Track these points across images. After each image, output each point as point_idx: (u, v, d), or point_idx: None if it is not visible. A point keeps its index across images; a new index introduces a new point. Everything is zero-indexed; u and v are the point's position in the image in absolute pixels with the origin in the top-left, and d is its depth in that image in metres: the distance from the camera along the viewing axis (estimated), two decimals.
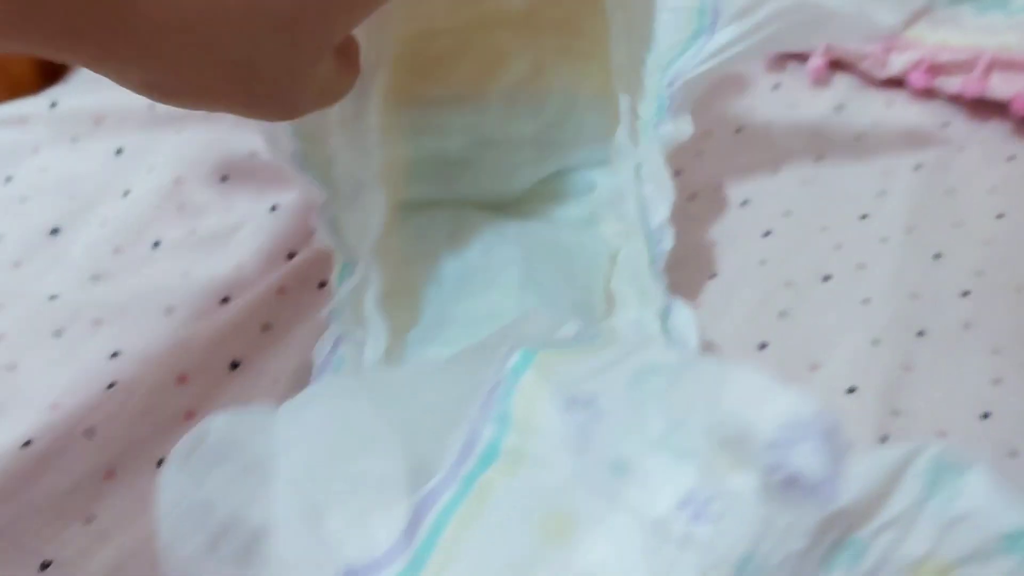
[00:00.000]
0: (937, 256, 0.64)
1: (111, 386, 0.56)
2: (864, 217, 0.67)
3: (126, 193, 0.68)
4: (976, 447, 0.54)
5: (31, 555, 0.50)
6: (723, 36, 0.59)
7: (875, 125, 0.74)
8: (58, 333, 0.60)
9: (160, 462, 0.54)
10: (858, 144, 0.73)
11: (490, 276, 0.55)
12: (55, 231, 0.66)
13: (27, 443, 0.53)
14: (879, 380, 0.57)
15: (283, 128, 0.54)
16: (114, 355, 0.59)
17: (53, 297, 0.62)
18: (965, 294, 0.62)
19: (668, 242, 0.55)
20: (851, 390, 0.56)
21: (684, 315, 0.53)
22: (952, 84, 0.75)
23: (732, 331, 0.60)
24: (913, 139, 0.73)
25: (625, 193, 0.57)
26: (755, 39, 0.59)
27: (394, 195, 0.58)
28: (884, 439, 0.54)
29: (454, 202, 0.59)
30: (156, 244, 0.65)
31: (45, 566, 0.50)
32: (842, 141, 0.73)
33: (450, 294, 0.55)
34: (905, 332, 0.60)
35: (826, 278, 0.63)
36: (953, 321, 0.61)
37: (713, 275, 0.63)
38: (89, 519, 0.51)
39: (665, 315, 0.53)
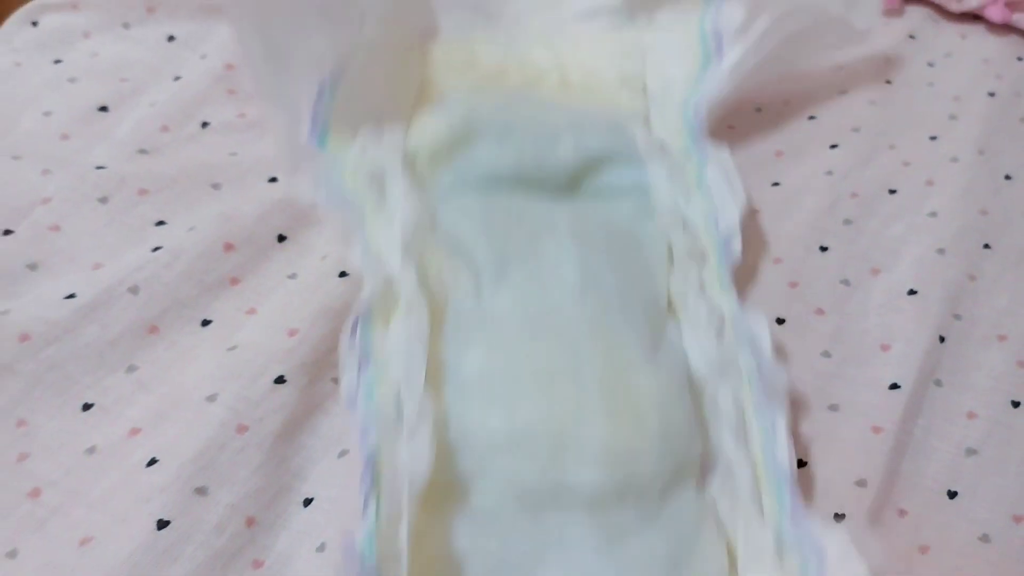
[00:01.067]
0: (1008, 177, 0.67)
1: (156, 249, 0.60)
2: (934, 138, 0.70)
3: (176, 78, 0.73)
4: None
5: (73, 397, 0.54)
6: (731, 57, 0.66)
7: (948, 55, 0.78)
8: (104, 200, 0.64)
9: (204, 323, 0.58)
10: (930, 71, 0.76)
11: (542, 271, 0.56)
12: (103, 108, 0.71)
13: (70, 295, 0.57)
14: (942, 286, 0.60)
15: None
16: (159, 223, 0.63)
17: (100, 167, 0.66)
18: None
19: (737, 246, 0.58)
20: (912, 292, 0.60)
21: (758, 323, 0.54)
22: None
23: (794, 233, 0.63)
24: (987, 69, 0.76)
25: (670, 194, 0.61)
26: (763, 52, 0.65)
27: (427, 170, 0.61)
28: (942, 340, 0.57)
29: (493, 180, 0.61)
30: (205, 125, 0.70)
31: (87, 408, 0.54)
32: (914, 67, 0.76)
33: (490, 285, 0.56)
34: (972, 244, 0.63)
35: (893, 191, 0.66)
36: (1020, 238, 0.64)
37: (777, 183, 0.67)
38: (131, 369, 0.56)
39: (737, 323, 0.54)
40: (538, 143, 0.61)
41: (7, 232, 0.61)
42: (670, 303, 0.57)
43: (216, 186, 0.65)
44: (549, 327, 0.52)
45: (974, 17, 0.81)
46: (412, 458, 0.46)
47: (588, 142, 0.62)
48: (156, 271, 0.59)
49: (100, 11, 0.78)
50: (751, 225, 0.64)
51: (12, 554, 0.47)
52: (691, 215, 0.59)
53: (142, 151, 0.68)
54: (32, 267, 0.60)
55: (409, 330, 0.51)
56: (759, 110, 0.72)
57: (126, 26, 0.77)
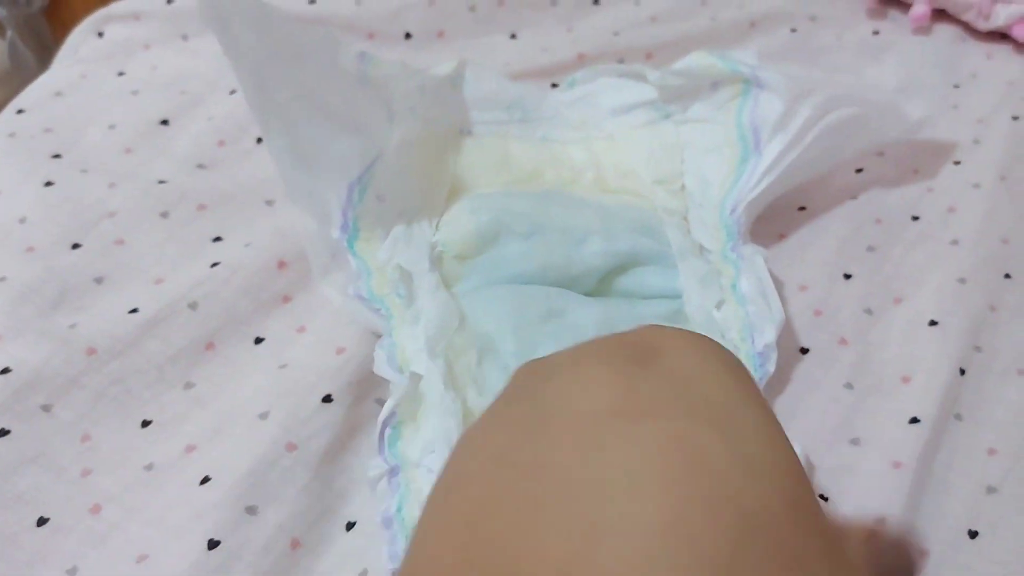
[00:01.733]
0: None
1: (214, 265, 0.57)
2: (958, 163, 0.66)
3: (232, 91, 0.70)
4: None
5: (133, 413, 0.52)
6: (771, 151, 0.59)
7: (974, 76, 0.73)
8: (165, 214, 0.61)
9: (257, 340, 0.55)
10: (955, 92, 0.71)
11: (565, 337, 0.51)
12: (164, 122, 0.68)
13: (133, 310, 0.55)
14: (963, 317, 0.56)
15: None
16: (217, 239, 0.60)
17: (161, 182, 0.63)
18: None
19: (771, 365, 0.52)
20: (933, 323, 0.56)
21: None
22: None
23: (819, 261, 0.59)
24: (1012, 91, 0.71)
25: (701, 301, 0.54)
26: (803, 146, 0.58)
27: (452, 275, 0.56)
28: (963, 372, 0.53)
29: (520, 280, 0.55)
30: (259, 140, 0.66)
31: (145, 424, 0.51)
32: (938, 89, 0.71)
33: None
34: (993, 274, 0.58)
35: (915, 218, 0.62)
36: None
37: (803, 207, 0.62)
38: (188, 386, 0.53)
39: None
40: (566, 244, 0.56)
41: (75, 246, 0.59)
42: None
43: (270, 203, 0.62)
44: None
45: (1002, 36, 0.75)
46: None
47: (618, 244, 0.56)
48: (214, 287, 0.56)
49: (161, 22, 0.75)
50: (780, 249, 0.60)
51: (73, 571, 0.45)
52: (726, 327, 0.53)
53: (200, 166, 0.65)
54: (98, 281, 0.57)
55: (441, 433, 0.47)
56: None
57: (184, 38, 0.74)
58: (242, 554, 0.46)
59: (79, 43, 0.75)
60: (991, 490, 0.49)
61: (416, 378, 0.49)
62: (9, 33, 0.81)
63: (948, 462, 0.50)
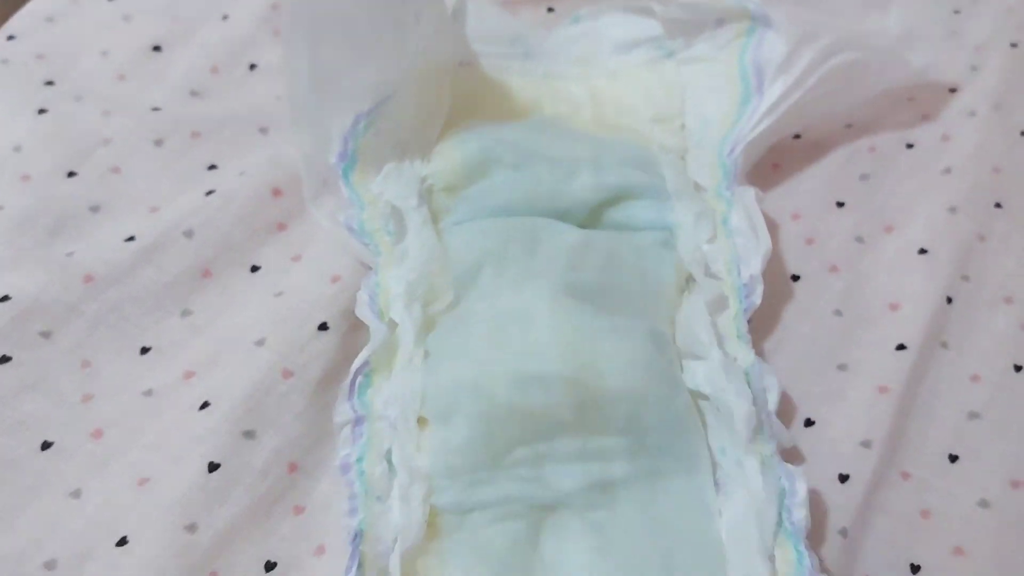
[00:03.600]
0: (1023, 133, 0.61)
1: (209, 193, 0.56)
2: (954, 90, 0.64)
3: (225, 17, 0.67)
4: None
5: (132, 340, 0.51)
6: (773, 93, 0.57)
7: (974, 2, 0.70)
8: (159, 143, 0.60)
9: (253, 268, 0.54)
10: (955, 18, 0.69)
11: (524, 280, 0.50)
12: (157, 48, 0.65)
13: (130, 238, 0.54)
14: (952, 246, 0.55)
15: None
16: (211, 167, 0.59)
17: (155, 109, 0.61)
18: None
19: (757, 297, 0.51)
20: (923, 251, 0.55)
21: (768, 378, 0.48)
22: None
23: (812, 189, 0.58)
24: (1011, 18, 0.68)
25: (694, 235, 0.53)
26: (804, 89, 0.56)
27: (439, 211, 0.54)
28: (950, 301, 0.53)
29: (506, 212, 0.54)
30: (252, 67, 0.65)
31: (145, 351, 0.51)
32: (938, 16, 0.69)
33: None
34: (983, 203, 0.57)
35: (909, 146, 0.60)
36: None
37: (798, 136, 0.61)
38: (185, 313, 0.52)
39: (751, 371, 0.47)
40: (555, 174, 0.54)
41: (71, 174, 0.57)
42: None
43: (263, 130, 0.61)
44: (518, 326, 0.47)
45: None
46: (404, 524, 0.43)
47: (609, 177, 0.54)
48: (209, 215, 0.55)
49: None
50: (774, 178, 0.59)
51: (76, 493, 0.45)
52: (714, 260, 0.52)
53: (194, 93, 0.63)
54: (94, 209, 0.56)
55: (403, 389, 0.46)
56: None
57: None
58: (241, 477, 0.46)
59: None
60: (973, 416, 0.49)
61: (393, 326, 0.49)
62: None
63: (933, 388, 0.50)
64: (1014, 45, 0.66)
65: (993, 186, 0.58)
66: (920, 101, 0.63)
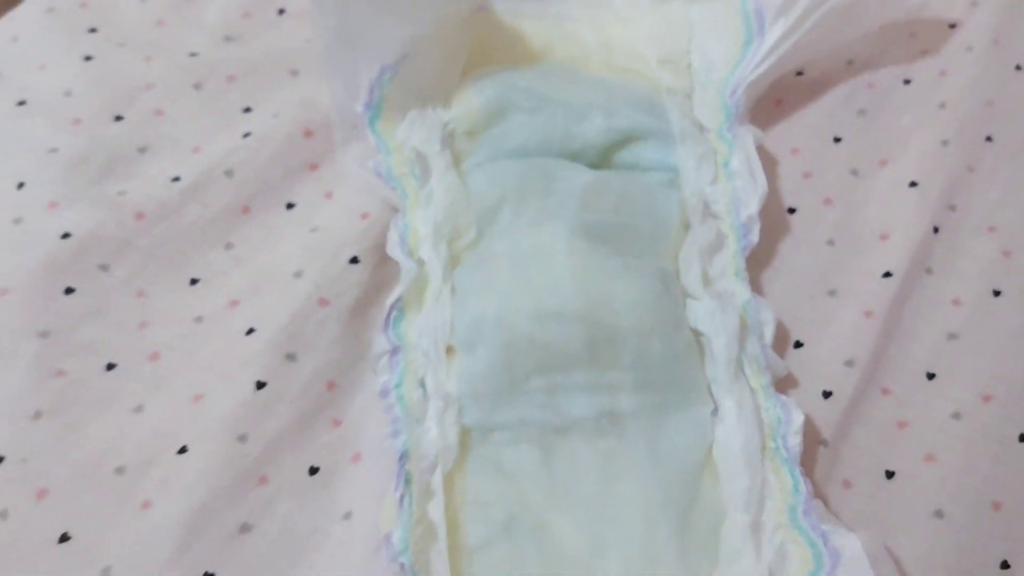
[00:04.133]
0: (1018, 68, 0.63)
1: (246, 135, 0.60)
2: (953, 26, 0.65)
3: None
4: (1022, 242, 0.55)
5: (182, 271, 0.56)
6: (773, 35, 0.58)
7: None
8: (198, 86, 0.63)
9: (289, 205, 0.58)
10: None
11: (541, 218, 0.54)
12: None
13: (176, 179, 0.58)
14: (941, 178, 0.58)
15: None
16: (247, 109, 0.62)
17: (193, 54, 0.65)
18: None
19: (755, 236, 0.54)
20: (913, 184, 0.58)
21: (764, 312, 0.51)
22: None
23: (812, 125, 0.61)
24: None
25: (696, 176, 0.56)
26: (804, 30, 0.58)
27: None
28: (936, 230, 0.56)
29: (523, 154, 0.57)
30: (281, 12, 0.67)
31: (193, 282, 0.56)
32: None
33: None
34: (975, 136, 0.60)
35: (907, 81, 0.63)
36: (1022, 130, 0.60)
37: (800, 73, 0.63)
38: (228, 246, 0.57)
39: (748, 307, 0.51)
40: (568, 118, 0.57)
41: (118, 118, 0.61)
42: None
43: (294, 72, 0.64)
44: (537, 265, 0.51)
45: None
46: (443, 445, 0.47)
47: (618, 120, 0.57)
48: (247, 156, 0.59)
49: None
50: (775, 114, 0.62)
51: (139, 409, 0.51)
52: (715, 200, 0.55)
53: (228, 38, 0.66)
54: (142, 150, 0.60)
55: (434, 321, 0.51)
56: None
57: None
58: (285, 394, 0.51)
59: None
60: (952, 336, 0.52)
61: (421, 263, 0.53)
62: None
63: (915, 311, 0.53)
64: None
65: (986, 119, 0.61)
66: (920, 37, 0.65)
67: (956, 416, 0.49)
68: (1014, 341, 0.52)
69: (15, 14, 0.67)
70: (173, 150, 0.60)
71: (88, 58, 0.64)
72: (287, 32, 0.66)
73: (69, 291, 0.54)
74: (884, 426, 0.49)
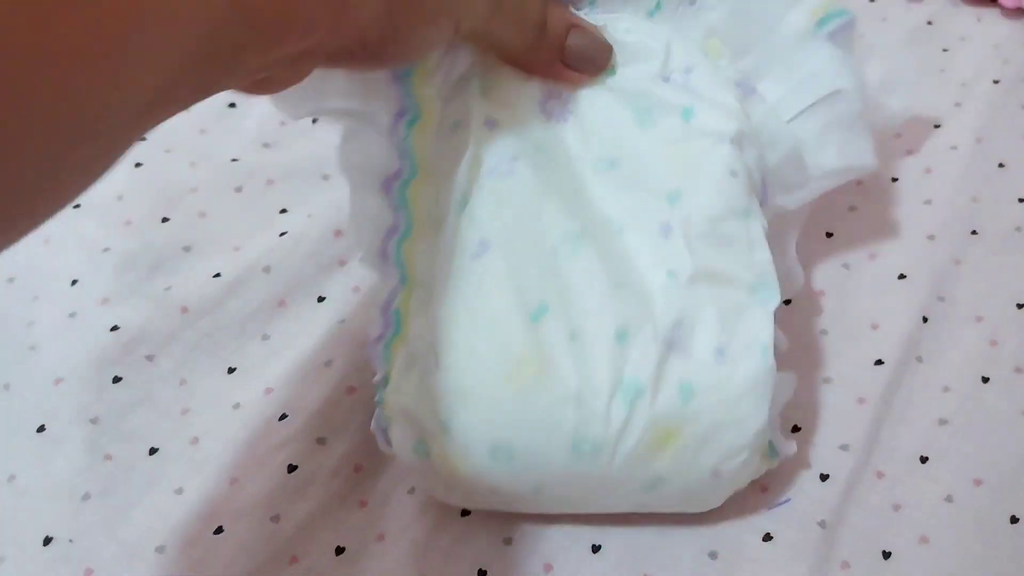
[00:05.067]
0: (1001, 165, 0.67)
1: (283, 235, 0.64)
2: (938, 127, 0.69)
3: None
4: (1007, 331, 0.58)
5: (221, 361, 0.60)
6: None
7: (963, 39, 0.75)
8: (239, 189, 0.68)
9: (320, 299, 0.62)
10: (944, 57, 0.74)
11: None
12: (232, 105, 0.74)
13: (217, 275, 0.62)
14: (929, 270, 0.61)
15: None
16: (283, 210, 0.67)
17: (234, 160, 0.70)
18: (1022, 200, 0.65)
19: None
20: (902, 276, 0.61)
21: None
22: None
23: (806, 221, 0.64)
24: (996, 54, 0.74)
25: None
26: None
27: None
28: (925, 320, 0.59)
29: None
30: (314, 120, 0.73)
31: (231, 371, 0.59)
32: (929, 53, 0.75)
33: None
34: (960, 230, 0.63)
35: (894, 179, 0.66)
36: (1006, 223, 0.64)
37: None
38: (265, 337, 0.61)
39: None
40: None
41: (165, 219, 0.66)
42: None
43: (326, 177, 0.69)
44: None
45: (992, 0, 0.78)
46: None
47: None
48: (283, 254, 0.63)
49: None
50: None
51: (180, 491, 0.54)
52: None
53: (266, 145, 0.71)
54: (187, 249, 0.65)
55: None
56: None
57: None
58: (315, 477, 0.54)
59: None
60: (943, 422, 0.55)
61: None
62: None
63: (907, 398, 0.56)
64: (996, 81, 0.72)
65: (971, 214, 0.64)
66: (906, 137, 0.68)
67: (949, 499, 0.51)
68: (1002, 426, 0.54)
69: None
70: (215, 248, 0.65)
71: (138, 165, 0.69)
72: (319, 140, 0.71)
73: (117, 380, 0.58)
74: (880, 508, 0.51)
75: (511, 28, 0.47)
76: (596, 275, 0.48)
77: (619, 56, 0.52)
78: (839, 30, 0.56)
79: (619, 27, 0.53)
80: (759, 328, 0.48)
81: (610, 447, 0.46)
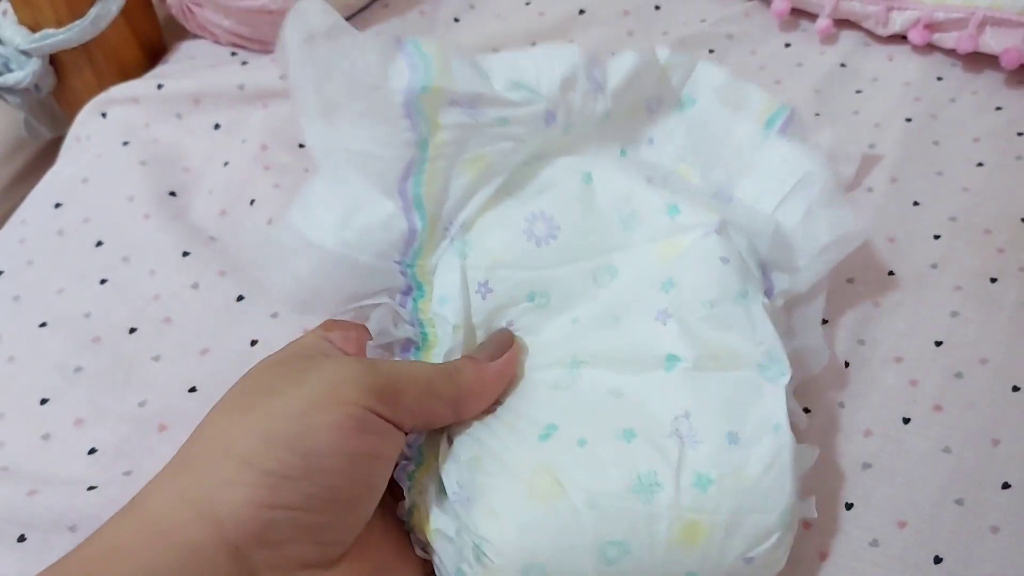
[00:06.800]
0: (916, 204, 0.72)
1: (253, 343, 0.68)
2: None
3: (225, 163, 0.80)
4: (927, 370, 0.63)
5: None
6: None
7: (875, 79, 0.81)
8: (195, 286, 0.72)
9: None
10: (857, 98, 0.79)
11: None
12: (173, 194, 0.78)
13: (192, 388, 0.66)
14: (849, 315, 0.66)
15: None
16: (240, 298, 0.71)
17: (186, 254, 0.74)
18: (937, 237, 0.70)
19: None
20: (825, 322, 0.65)
21: None
22: (948, 40, 0.80)
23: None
24: (907, 92, 0.79)
25: None
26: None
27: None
28: (847, 365, 0.64)
29: None
30: (252, 202, 0.77)
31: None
32: (842, 96, 0.80)
33: None
34: (878, 272, 0.68)
35: None
36: (922, 262, 0.69)
37: None
38: None
39: None
40: None
41: (132, 330, 0.70)
42: None
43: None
44: None
45: (902, 37, 0.83)
46: None
47: None
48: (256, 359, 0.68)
49: (156, 103, 0.85)
50: None
51: None
52: None
53: (211, 238, 0.76)
54: (156, 359, 0.69)
55: None
56: None
57: (179, 116, 0.84)
58: None
59: (87, 122, 0.85)
60: (865, 466, 0.59)
61: None
62: (23, 115, 0.92)
63: (831, 445, 0.60)
64: (908, 120, 0.77)
65: (887, 255, 0.69)
66: None
67: (874, 543, 0.56)
68: (922, 467, 0.59)
69: (25, 233, 0.77)
70: (183, 355, 0.69)
71: (103, 281, 0.73)
72: (259, 221, 0.76)
73: (91, 488, 0.62)
74: (806, 559, 0.56)
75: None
76: (597, 381, 0.53)
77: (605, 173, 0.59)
78: (786, 124, 0.65)
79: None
80: (771, 406, 0.52)
81: (636, 549, 0.47)
